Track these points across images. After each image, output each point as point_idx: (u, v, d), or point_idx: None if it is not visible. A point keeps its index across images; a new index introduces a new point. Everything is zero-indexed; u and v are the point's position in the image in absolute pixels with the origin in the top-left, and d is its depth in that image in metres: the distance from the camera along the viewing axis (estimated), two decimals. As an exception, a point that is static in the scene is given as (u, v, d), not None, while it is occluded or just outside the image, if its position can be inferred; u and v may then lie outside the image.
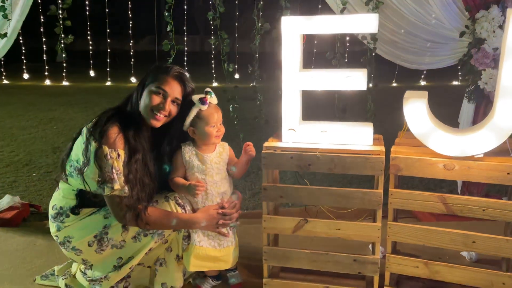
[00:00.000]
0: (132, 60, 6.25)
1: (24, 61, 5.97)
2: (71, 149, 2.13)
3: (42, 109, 8.38)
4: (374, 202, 2.02)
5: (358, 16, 1.96)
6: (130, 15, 5.34)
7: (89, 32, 6.18)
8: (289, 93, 2.11)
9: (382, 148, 2.03)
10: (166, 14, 3.19)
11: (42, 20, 3.96)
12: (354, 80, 2.00)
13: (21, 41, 3.78)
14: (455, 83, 7.34)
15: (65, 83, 7.43)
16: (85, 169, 2.01)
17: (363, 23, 1.93)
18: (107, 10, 5.10)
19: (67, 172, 2.12)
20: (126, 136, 2.01)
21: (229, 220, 2.16)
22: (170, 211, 2.10)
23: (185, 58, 4.68)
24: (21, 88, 10.97)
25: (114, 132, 1.98)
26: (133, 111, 2.09)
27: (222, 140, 2.20)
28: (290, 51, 2.05)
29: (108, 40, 6.03)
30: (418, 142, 2.05)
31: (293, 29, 2.02)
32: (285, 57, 2.07)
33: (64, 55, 3.45)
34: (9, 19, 3.11)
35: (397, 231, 2.06)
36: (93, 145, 1.97)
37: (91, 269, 2.17)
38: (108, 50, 6.22)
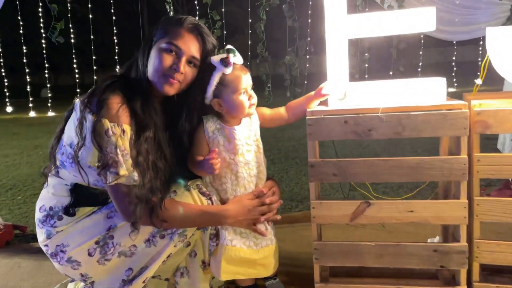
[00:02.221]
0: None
1: (7, 94, 5.68)
2: (62, 131, 1.65)
3: (27, 138, 7.86)
4: (457, 172, 1.56)
5: (413, 12, 1.59)
6: (116, 47, 5.17)
7: (75, 65, 5.91)
8: (334, 42, 1.68)
9: (462, 101, 1.59)
10: None
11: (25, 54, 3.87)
12: (420, 18, 1.58)
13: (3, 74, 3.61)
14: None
15: (50, 113, 7.02)
16: (80, 152, 1.53)
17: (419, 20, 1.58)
18: (92, 47, 4.99)
19: (57, 163, 1.64)
20: (133, 107, 1.55)
21: (270, 212, 1.69)
22: (193, 203, 1.62)
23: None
24: (4, 121, 10.51)
25: (116, 101, 1.52)
26: (139, 78, 1.63)
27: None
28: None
29: (95, 77, 5.72)
30: (497, 96, 1.63)
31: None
32: (328, 3, 1.65)
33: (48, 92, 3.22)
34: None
35: (488, 208, 1.60)
36: (90, 118, 1.51)
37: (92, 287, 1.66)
38: (95, 82, 5.93)
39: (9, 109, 5.75)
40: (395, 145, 4.94)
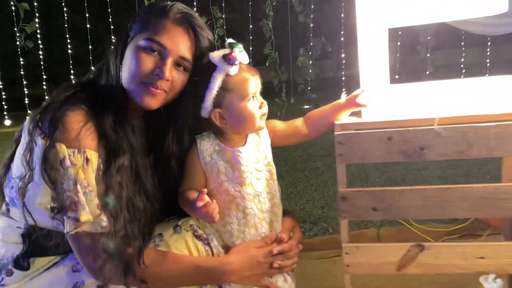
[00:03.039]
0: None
1: (5, 107, 5.47)
2: (11, 159, 1.25)
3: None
4: (547, 203, 1.13)
5: None
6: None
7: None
8: (370, 34, 1.26)
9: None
10: None
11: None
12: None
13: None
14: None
15: None
16: (28, 188, 1.13)
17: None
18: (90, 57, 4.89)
19: (7, 199, 1.24)
20: (101, 126, 1.15)
21: (288, 261, 1.27)
22: (183, 254, 1.21)
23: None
24: (2, 135, 10.25)
25: (77, 119, 1.12)
26: (110, 86, 1.23)
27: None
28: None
29: None
30: None
31: None
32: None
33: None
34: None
35: None
36: (40, 143, 1.11)
37: None
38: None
39: (7, 122, 5.54)
40: (447, 167, 3.97)
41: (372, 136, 1.19)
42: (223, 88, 1.21)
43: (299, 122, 1.37)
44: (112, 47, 1.26)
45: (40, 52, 5.04)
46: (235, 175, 1.24)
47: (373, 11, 1.25)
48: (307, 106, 2.76)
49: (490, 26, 2.50)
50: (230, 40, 1.23)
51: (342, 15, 2.84)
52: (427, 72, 2.60)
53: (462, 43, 3.08)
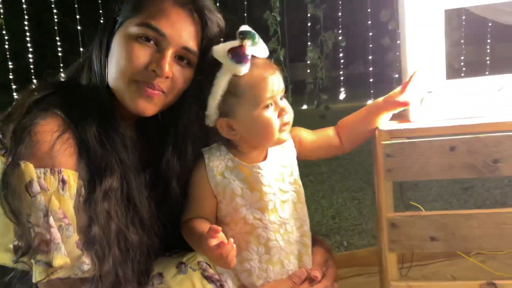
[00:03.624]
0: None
1: None
2: None
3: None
4: None
5: None
6: None
7: None
8: (421, 15, 1.00)
9: None
10: None
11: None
12: None
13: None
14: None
15: None
16: None
17: None
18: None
19: None
20: (82, 138, 0.89)
21: None
22: None
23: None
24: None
25: (49, 129, 0.86)
26: (93, 86, 0.95)
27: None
28: None
29: None
30: None
31: None
32: None
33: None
34: None
35: None
36: (0, 162, 0.84)
37: None
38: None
39: None
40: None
41: (430, 146, 0.93)
42: (230, 93, 0.94)
43: (330, 131, 1.09)
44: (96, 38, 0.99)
45: (30, 56, 4.82)
46: (255, 198, 0.96)
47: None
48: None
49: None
50: (243, 28, 0.96)
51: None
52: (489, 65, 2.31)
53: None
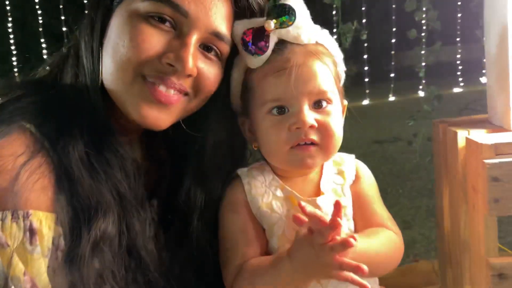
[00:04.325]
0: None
1: None
2: None
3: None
4: None
5: None
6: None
7: None
8: None
9: None
10: None
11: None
12: None
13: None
14: None
15: None
16: None
17: None
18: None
19: None
20: (62, 164, 0.61)
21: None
22: None
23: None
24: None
25: (10, 151, 0.59)
26: (81, 86, 0.66)
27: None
28: None
29: None
30: None
31: None
32: None
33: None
34: None
35: None
36: None
37: None
38: None
39: None
40: None
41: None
42: (244, 85, 0.73)
43: (387, 232, 0.72)
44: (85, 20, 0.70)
45: (14, 58, 4.58)
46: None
47: None
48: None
49: None
50: (282, 1, 0.68)
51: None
52: None
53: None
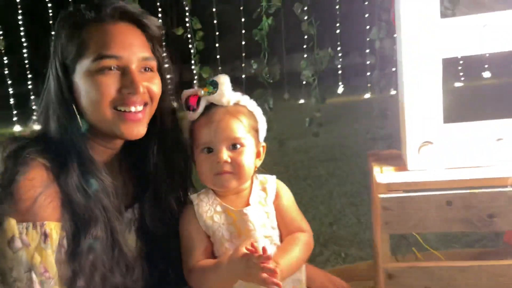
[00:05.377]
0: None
1: None
2: None
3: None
4: None
5: None
6: None
7: None
8: (419, 64, 1.01)
9: None
10: None
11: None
12: None
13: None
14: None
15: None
16: None
17: None
18: None
19: None
20: (65, 190, 0.91)
21: None
22: None
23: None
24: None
25: (31, 184, 0.88)
26: (67, 138, 0.95)
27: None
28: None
29: None
30: None
31: None
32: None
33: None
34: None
35: None
36: None
37: None
38: None
39: None
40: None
41: (427, 201, 0.94)
42: (191, 131, 1.03)
43: (298, 235, 1.04)
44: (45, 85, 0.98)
45: (24, 50, 4.72)
46: (239, 239, 0.98)
47: (425, 38, 0.99)
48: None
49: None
50: (215, 78, 1.00)
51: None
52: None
53: None
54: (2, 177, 0.87)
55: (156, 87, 0.98)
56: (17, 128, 6.19)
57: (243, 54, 2.83)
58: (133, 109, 0.94)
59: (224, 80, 0.97)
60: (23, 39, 4.83)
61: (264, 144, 1.05)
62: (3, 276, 0.85)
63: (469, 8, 2.25)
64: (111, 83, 0.92)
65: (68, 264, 0.89)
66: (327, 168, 4.21)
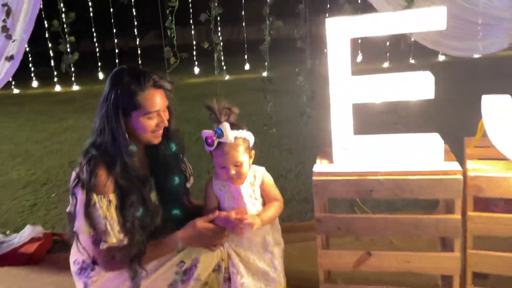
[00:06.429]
0: (140, 56, 5.70)
1: (32, 68, 5.53)
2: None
3: (54, 118, 8.18)
4: (451, 230, 1.70)
5: (423, 12, 1.62)
6: (134, 11, 4.91)
7: (94, 33, 5.92)
8: (338, 106, 1.79)
9: (457, 165, 1.71)
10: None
11: (46, 26, 3.77)
12: (418, 86, 1.68)
13: (27, 48, 3.55)
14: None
15: (75, 87, 7.04)
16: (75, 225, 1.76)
17: (429, 19, 1.60)
18: (111, 9, 4.81)
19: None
20: (115, 177, 1.73)
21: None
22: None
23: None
24: (31, 97, 10.82)
25: (102, 176, 1.71)
26: (116, 147, 1.74)
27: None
28: (338, 58, 1.73)
29: (115, 40, 5.73)
30: (496, 152, 1.74)
31: (341, 32, 1.70)
32: (332, 65, 1.75)
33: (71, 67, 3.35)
34: (13, 40, 2.84)
35: (479, 260, 1.74)
36: (80, 193, 1.73)
37: None
38: (116, 51, 5.74)
39: (34, 83, 5.53)
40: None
41: (337, 182, 1.76)
42: (211, 156, 1.83)
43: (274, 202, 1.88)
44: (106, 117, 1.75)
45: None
46: (233, 204, 1.85)
47: (342, 89, 1.77)
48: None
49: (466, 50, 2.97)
50: (221, 125, 1.74)
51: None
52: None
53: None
54: (82, 171, 1.71)
55: (168, 117, 1.80)
56: (57, 89, 6.68)
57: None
58: (159, 132, 1.81)
59: (226, 127, 1.73)
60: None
61: (253, 151, 1.86)
62: (92, 225, 1.68)
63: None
64: (154, 122, 1.77)
65: (121, 214, 1.70)
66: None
